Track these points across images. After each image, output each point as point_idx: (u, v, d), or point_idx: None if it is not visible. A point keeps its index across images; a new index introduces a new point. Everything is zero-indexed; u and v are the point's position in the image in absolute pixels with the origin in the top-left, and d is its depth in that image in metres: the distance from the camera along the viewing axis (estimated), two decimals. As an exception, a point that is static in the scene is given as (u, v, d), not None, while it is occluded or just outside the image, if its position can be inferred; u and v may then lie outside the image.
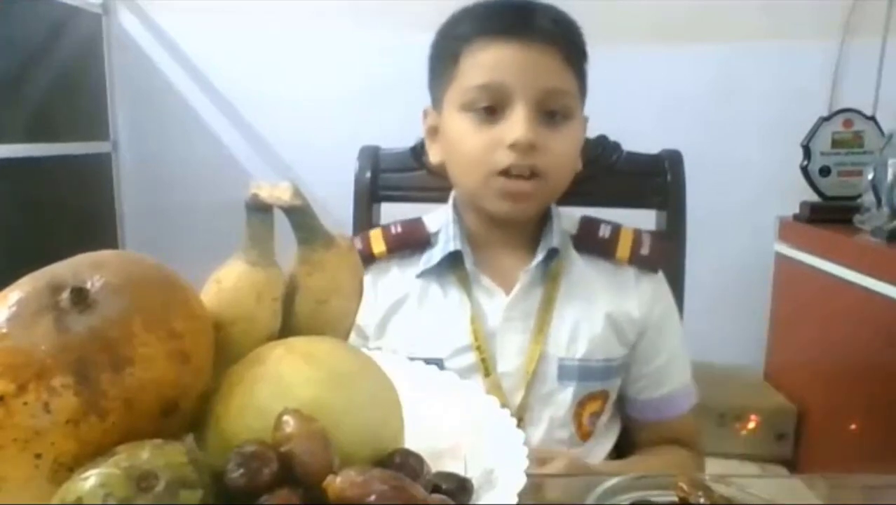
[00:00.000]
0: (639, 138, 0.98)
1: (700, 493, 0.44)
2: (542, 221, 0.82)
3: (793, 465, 1.66)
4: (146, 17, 1.93)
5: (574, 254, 0.82)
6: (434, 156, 0.84)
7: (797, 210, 1.76)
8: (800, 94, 1.83)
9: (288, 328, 0.46)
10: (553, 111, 0.75)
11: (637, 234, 0.84)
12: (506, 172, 0.74)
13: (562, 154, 0.76)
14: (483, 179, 0.76)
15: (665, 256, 0.86)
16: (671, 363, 0.84)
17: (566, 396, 0.78)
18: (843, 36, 1.82)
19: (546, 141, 0.74)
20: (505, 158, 0.74)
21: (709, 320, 1.50)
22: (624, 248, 0.82)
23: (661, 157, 0.98)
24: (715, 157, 1.78)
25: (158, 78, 1.95)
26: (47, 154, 1.69)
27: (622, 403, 0.85)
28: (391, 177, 0.99)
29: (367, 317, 0.81)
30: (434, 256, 0.80)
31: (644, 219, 0.98)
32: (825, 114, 1.73)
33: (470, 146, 0.76)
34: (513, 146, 0.73)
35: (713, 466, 0.88)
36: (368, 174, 0.98)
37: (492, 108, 0.75)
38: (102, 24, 1.91)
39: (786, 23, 1.83)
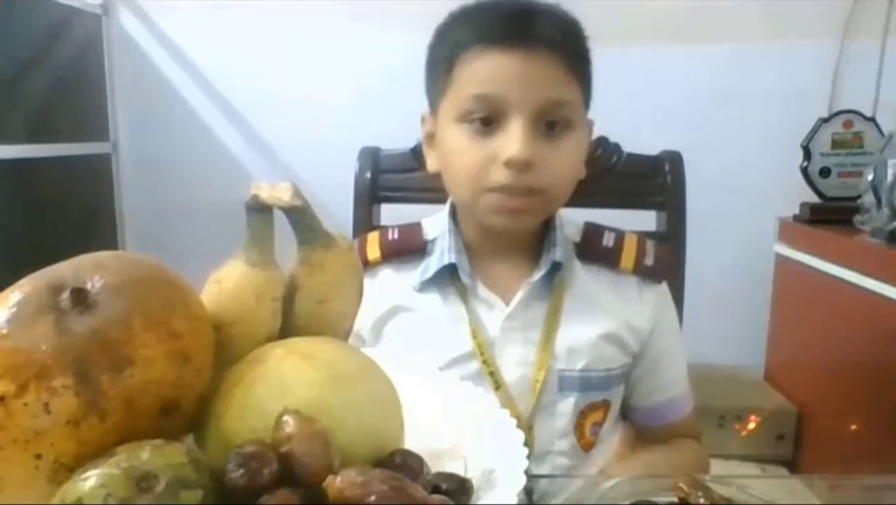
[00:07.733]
0: (639, 139, 0.98)
1: (700, 493, 0.44)
2: (544, 230, 0.80)
3: (793, 465, 1.66)
4: (146, 17, 1.93)
5: (577, 264, 0.80)
6: (431, 164, 0.82)
7: (797, 211, 1.76)
8: (800, 96, 1.83)
9: (288, 328, 0.46)
10: (553, 122, 0.72)
11: (641, 243, 0.82)
12: (501, 189, 0.72)
13: (561, 169, 0.73)
14: (478, 194, 0.74)
15: (669, 265, 0.85)
16: (673, 371, 0.84)
17: (567, 406, 0.77)
18: (843, 37, 1.82)
19: (544, 157, 0.71)
20: (500, 177, 0.71)
21: (709, 321, 1.50)
22: (628, 258, 0.80)
23: (661, 158, 0.98)
24: (715, 158, 1.78)
25: (158, 78, 1.95)
26: (47, 155, 1.69)
27: (625, 409, 0.85)
28: (391, 178, 0.98)
29: (362, 321, 0.79)
30: (430, 266, 0.79)
31: (644, 220, 0.98)
32: (825, 115, 1.73)
33: (464, 160, 0.73)
34: (508, 163, 0.70)
35: (713, 467, 0.88)
36: (368, 175, 0.98)
37: (487, 119, 0.72)
38: (102, 24, 1.91)
39: (786, 24, 1.83)
